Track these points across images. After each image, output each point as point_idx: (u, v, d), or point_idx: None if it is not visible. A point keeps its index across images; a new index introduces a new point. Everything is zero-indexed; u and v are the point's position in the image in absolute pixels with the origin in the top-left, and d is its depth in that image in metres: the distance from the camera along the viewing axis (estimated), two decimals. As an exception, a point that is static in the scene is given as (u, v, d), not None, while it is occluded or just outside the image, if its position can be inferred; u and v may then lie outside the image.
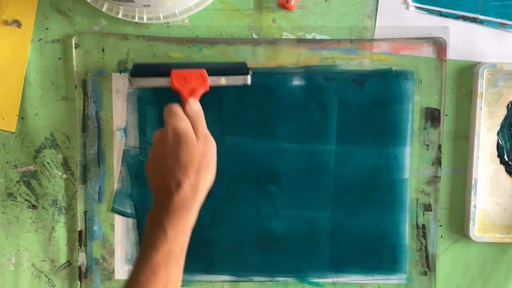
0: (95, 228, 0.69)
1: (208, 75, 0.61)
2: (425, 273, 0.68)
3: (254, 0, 0.67)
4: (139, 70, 0.63)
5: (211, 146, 0.57)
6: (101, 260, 0.69)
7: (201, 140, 0.56)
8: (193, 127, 0.57)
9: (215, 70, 0.61)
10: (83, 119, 0.68)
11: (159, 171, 0.56)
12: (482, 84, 0.65)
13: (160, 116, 0.67)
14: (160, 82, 0.62)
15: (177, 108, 0.58)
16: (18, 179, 0.69)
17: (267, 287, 0.69)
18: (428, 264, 0.68)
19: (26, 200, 0.70)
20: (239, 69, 0.63)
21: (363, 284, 0.69)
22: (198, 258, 0.69)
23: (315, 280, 0.69)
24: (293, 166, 0.67)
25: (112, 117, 0.68)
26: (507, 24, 0.66)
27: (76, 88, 0.67)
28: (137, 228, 0.68)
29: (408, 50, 0.66)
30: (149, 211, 0.56)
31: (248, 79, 0.62)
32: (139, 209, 0.68)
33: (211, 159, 0.57)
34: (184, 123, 0.57)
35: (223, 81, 0.62)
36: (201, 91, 0.61)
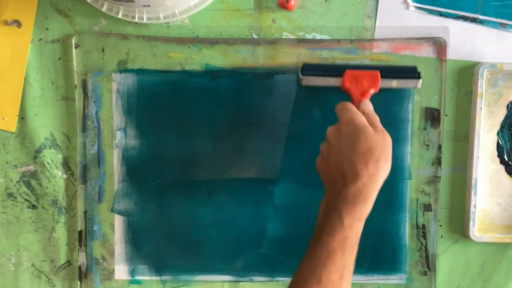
0: (95, 228, 0.69)
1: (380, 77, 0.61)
2: (425, 273, 0.68)
3: (254, 0, 0.67)
4: (310, 69, 0.63)
5: (389, 141, 0.57)
6: (101, 260, 0.69)
7: (379, 133, 0.56)
8: (369, 123, 0.57)
9: (387, 72, 0.62)
10: (83, 119, 0.68)
11: (334, 162, 0.56)
12: (482, 84, 0.65)
13: (159, 116, 0.67)
14: (330, 81, 0.62)
15: (351, 105, 0.58)
16: (18, 179, 0.69)
17: (267, 287, 0.69)
18: (428, 264, 0.68)
19: (26, 200, 0.70)
20: (411, 72, 0.63)
21: (363, 284, 0.69)
22: (198, 258, 0.69)
23: (315, 280, 0.69)
24: (293, 165, 0.67)
25: (112, 117, 0.68)
26: (507, 24, 0.66)
27: (76, 88, 0.67)
28: (137, 228, 0.69)
29: (408, 50, 0.66)
30: (323, 199, 0.57)
31: (419, 83, 0.63)
32: (139, 209, 0.68)
33: (390, 152, 0.56)
34: (361, 118, 0.56)
35: (394, 83, 0.62)
36: (371, 92, 0.61)
